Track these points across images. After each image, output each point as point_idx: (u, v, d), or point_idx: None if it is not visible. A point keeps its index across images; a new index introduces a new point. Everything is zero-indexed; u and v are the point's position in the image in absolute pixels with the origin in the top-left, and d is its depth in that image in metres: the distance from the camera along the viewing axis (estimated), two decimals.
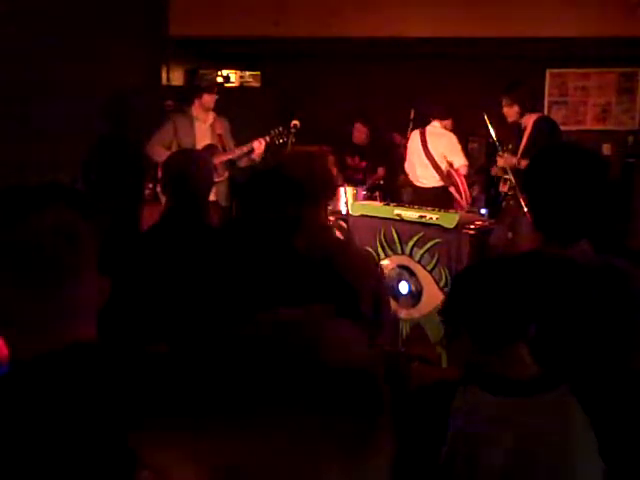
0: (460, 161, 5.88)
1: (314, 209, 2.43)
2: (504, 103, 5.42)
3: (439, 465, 1.44)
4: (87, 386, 1.10)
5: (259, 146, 5.56)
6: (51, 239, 1.14)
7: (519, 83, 5.49)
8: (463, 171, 5.92)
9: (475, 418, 1.45)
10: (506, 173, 5.37)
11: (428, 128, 5.98)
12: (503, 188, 5.46)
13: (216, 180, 5.29)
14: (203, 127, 5.54)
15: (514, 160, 5.32)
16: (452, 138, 5.93)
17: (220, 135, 5.55)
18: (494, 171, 5.59)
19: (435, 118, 5.97)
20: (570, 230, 1.82)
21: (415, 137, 6.04)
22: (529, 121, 5.39)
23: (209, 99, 5.49)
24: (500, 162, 5.43)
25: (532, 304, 1.50)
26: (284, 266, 2.20)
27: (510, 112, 5.42)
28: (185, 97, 5.59)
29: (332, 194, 2.57)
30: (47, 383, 1.09)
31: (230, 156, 5.56)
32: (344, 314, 2.18)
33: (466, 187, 5.94)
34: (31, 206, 1.17)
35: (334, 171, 2.64)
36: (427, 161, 5.91)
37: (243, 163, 5.65)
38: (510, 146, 5.44)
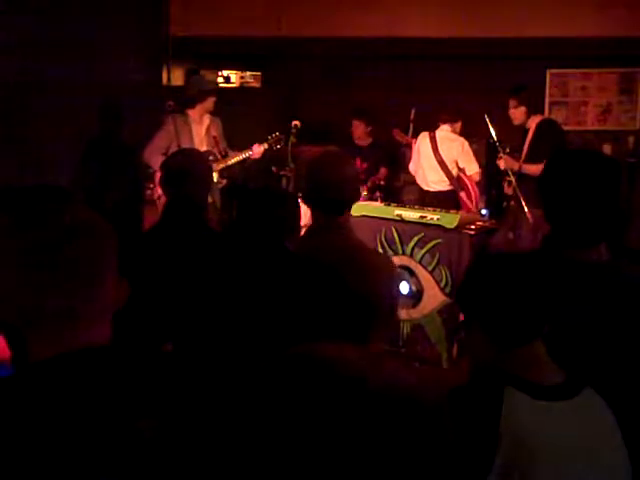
0: (474, 168, 5.86)
1: (343, 214, 2.46)
2: (511, 105, 5.38)
3: (495, 471, 1.39)
4: (95, 392, 1.09)
5: (257, 152, 5.52)
6: (72, 239, 1.12)
7: (523, 85, 5.49)
8: (476, 178, 5.90)
9: (528, 422, 1.42)
10: (507, 175, 5.36)
11: (438, 132, 5.91)
12: (507, 190, 5.45)
13: (215, 187, 5.28)
14: (200, 130, 5.50)
15: (516, 164, 5.31)
16: (464, 144, 5.89)
17: (215, 138, 5.52)
18: (502, 165, 5.53)
19: (445, 122, 5.92)
20: (589, 234, 1.82)
21: (424, 141, 5.97)
22: (532, 123, 5.39)
23: (212, 102, 5.46)
24: (501, 164, 5.41)
25: (549, 304, 1.49)
26: (279, 269, 2.20)
27: (517, 114, 5.39)
28: (189, 100, 5.53)
29: (358, 198, 2.61)
30: (54, 387, 1.08)
31: (228, 162, 5.51)
32: (354, 317, 2.15)
33: (478, 193, 5.93)
34: (53, 205, 1.15)
35: (357, 173, 2.67)
36: (438, 166, 5.86)
37: (236, 169, 5.61)
38: (508, 149, 5.44)
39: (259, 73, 7.95)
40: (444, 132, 5.90)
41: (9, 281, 1.11)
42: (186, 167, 2.89)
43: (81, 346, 1.12)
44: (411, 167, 6.18)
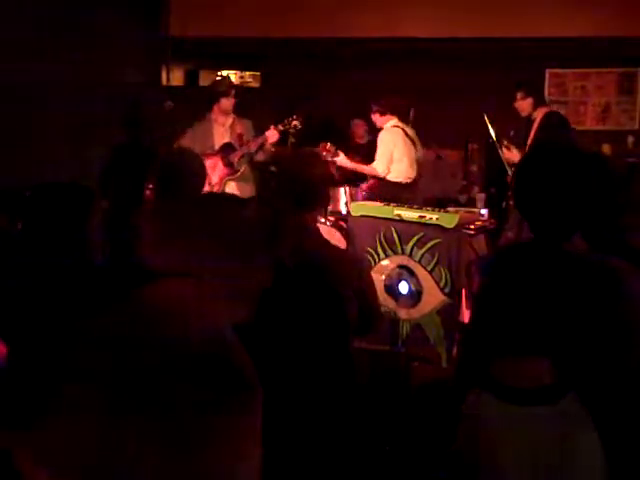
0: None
1: (306, 212, 2.44)
2: (518, 97, 5.42)
3: (451, 461, 1.43)
4: None
5: (272, 135, 5.59)
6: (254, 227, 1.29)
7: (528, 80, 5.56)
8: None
9: (488, 422, 1.44)
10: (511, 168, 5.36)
11: (406, 128, 5.93)
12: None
13: (233, 177, 5.54)
14: (221, 129, 5.64)
15: (517, 156, 5.30)
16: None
17: (241, 135, 5.62)
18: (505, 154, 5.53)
19: (394, 114, 5.93)
20: (558, 227, 1.83)
21: (398, 135, 5.91)
22: (538, 114, 5.41)
23: (227, 103, 5.59)
24: (506, 154, 5.41)
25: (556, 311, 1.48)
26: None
27: (524, 105, 5.42)
28: (208, 101, 5.69)
29: (327, 201, 2.58)
30: None
31: (245, 150, 5.61)
32: (327, 318, 2.18)
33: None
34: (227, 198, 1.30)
35: (331, 174, 2.64)
36: (415, 157, 5.91)
37: (260, 157, 5.70)
38: (512, 132, 5.46)
39: (258, 73, 7.96)
40: (403, 124, 5.95)
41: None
42: (179, 163, 2.90)
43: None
44: (381, 167, 5.89)
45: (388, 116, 5.86)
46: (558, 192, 1.80)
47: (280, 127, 5.64)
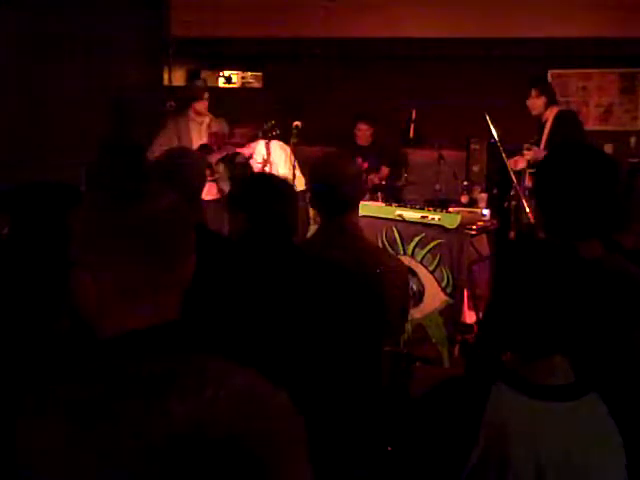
0: None
1: (348, 214, 2.45)
2: (533, 94, 5.41)
3: (471, 464, 1.41)
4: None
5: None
6: (167, 221, 1.20)
7: (541, 76, 5.53)
8: None
9: (510, 419, 1.42)
10: (530, 167, 5.32)
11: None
12: (529, 183, 5.36)
13: (211, 178, 5.46)
14: (199, 128, 5.66)
15: (542, 154, 5.25)
16: None
17: (216, 133, 5.64)
18: (520, 165, 5.46)
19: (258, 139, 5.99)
20: (580, 230, 1.82)
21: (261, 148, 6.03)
22: (550, 115, 5.39)
23: (200, 106, 5.63)
24: (528, 155, 5.37)
25: (570, 311, 1.46)
26: (292, 269, 2.18)
27: (537, 103, 5.40)
28: (186, 102, 5.73)
29: (362, 197, 2.59)
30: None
31: (223, 153, 5.63)
32: (367, 319, 2.13)
33: None
34: (143, 191, 1.23)
35: (360, 170, 2.66)
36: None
37: (240, 159, 5.74)
38: (533, 140, 5.44)
39: (260, 73, 7.96)
40: None
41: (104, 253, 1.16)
42: (178, 163, 2.89)
43: (153, 320, 1.17)
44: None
45: (251, 144, 5.93)
46: (583, 192, 1.79)
47: (259, 133, 5.73)
